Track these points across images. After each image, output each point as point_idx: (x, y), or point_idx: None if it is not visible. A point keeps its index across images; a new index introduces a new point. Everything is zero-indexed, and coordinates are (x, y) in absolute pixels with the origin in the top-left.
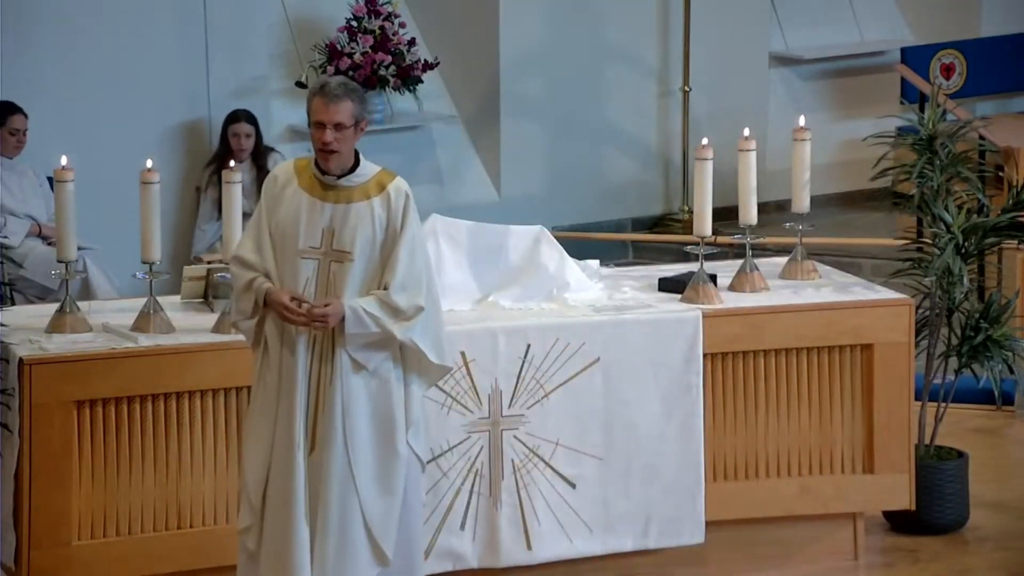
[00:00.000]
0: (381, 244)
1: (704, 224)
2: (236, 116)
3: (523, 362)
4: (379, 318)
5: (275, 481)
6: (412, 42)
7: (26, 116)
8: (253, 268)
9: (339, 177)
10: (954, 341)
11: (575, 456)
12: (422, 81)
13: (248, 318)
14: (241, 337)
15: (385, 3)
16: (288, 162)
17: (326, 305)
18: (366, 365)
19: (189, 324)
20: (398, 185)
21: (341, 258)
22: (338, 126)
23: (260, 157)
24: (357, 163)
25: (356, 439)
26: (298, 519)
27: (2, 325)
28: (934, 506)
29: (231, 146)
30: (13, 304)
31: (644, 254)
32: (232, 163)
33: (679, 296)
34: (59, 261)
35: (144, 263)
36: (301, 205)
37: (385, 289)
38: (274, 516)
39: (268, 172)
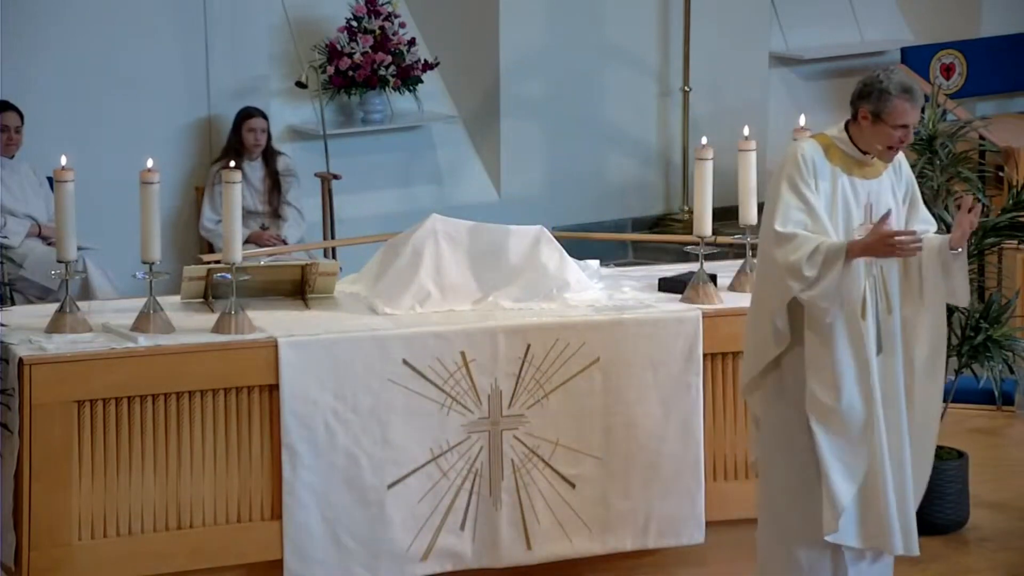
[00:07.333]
0: (901, 208)
1: (704, 224)
2: (250, 112)
3: (523, 362)
4: None
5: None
6: (412, 42)
7: (20, 114)
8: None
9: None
10: (954, 341)
11: (575, 456)
12: (422, 81)
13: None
14: (240, 337)
15: (385, 3)
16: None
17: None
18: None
19: (189, 324)
20: (899, 157)
21: None
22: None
23: (271, 157)
24: None
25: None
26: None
27: (2, 325)
28: (934, 506)
29: (245, 142)
30: (13, 304)
31: (644, 254)
32: (233, 163)
33: (679, 296)
34: (59, 261)
35: (144, 263)
36: (844, 184)
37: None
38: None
39: (278, 172)
